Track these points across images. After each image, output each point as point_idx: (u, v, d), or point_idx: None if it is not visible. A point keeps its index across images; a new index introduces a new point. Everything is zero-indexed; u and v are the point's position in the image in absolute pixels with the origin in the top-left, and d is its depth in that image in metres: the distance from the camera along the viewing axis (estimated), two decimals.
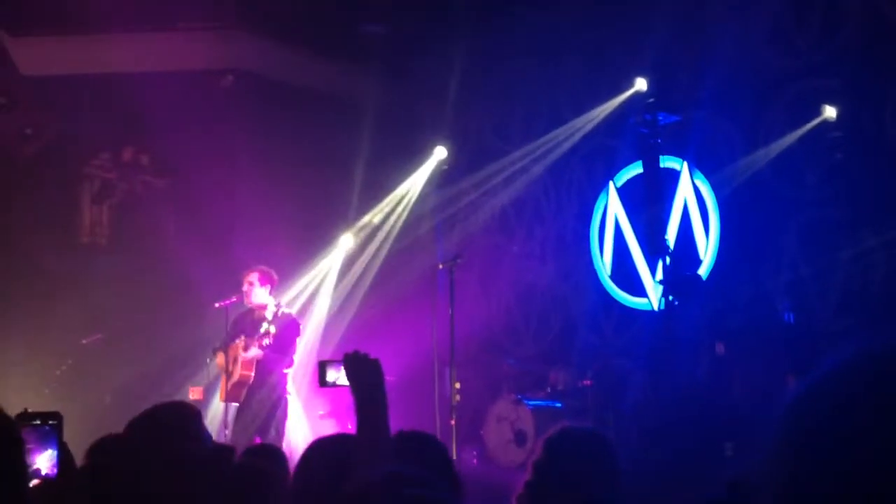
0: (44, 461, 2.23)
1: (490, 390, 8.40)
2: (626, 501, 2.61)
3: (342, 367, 2.45)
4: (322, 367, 2.64)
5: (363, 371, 2.37)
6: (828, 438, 0.82)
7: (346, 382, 2.41)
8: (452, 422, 7.09)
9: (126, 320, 8.67)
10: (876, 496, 0.78)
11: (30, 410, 2.29)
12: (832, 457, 0.81)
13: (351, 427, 2.75)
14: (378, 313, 9.11)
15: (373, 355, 2.41)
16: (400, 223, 9.54)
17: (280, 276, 7.64)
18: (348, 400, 2.42)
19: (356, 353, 2.41)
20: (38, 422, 2.26)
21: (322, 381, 2.62)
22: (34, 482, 2.22)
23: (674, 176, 8.25)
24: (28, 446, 2.08)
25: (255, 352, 6.86)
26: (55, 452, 2.25)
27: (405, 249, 9.44)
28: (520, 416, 7.75)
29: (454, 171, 9.60)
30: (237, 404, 7.01)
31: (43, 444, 2.22)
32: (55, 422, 2.28)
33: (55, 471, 2.23)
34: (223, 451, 2.73)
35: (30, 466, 2.13)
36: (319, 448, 2.64)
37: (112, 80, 8.87)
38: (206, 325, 7.78)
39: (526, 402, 7.82)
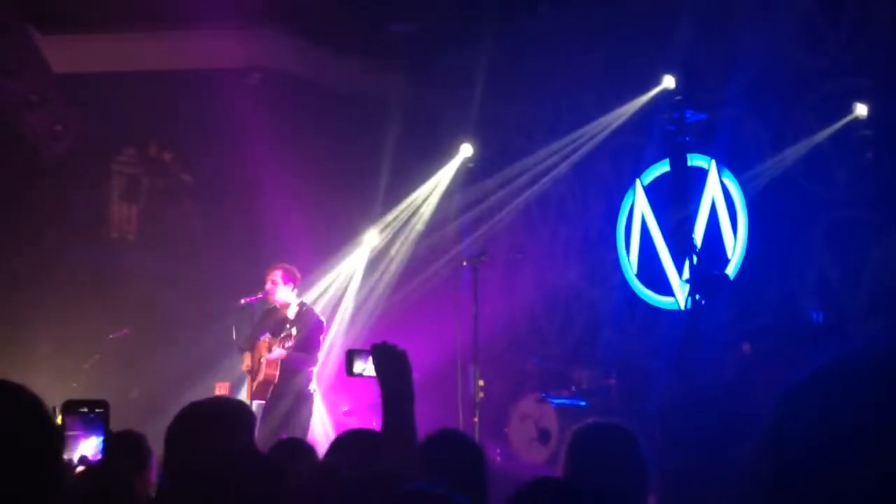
0: (89, 448, 2.24)
1: (514, 388, 8.37)
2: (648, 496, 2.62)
3: (369, 358, 2.46)
4: (350, 356, 2.61)
5: (391, 362, 2.37)
6: (815, 435, 0.83)
7: (373, 373, 2.41)
8: (475, 419, 7.08)
9: (153, 316, 8.71)
10: (862, 492, 0.78)
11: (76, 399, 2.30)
12: (819, 452, 0.82)
13: (375, 424, 2.77)
14: (402, 310, 9.10)
15: (403, 350, 2.41)
16: (425, 220, 9.55)
17: (305, 273, 7.68)
18: (372, 397, 2.43)
19: (384, 343, 2.41)
20: (85, 409, 2.27)
21: (349, 371, 2.60)
22: (80, 468, 2.24)
23: (701, 174, 8.14)
24: (74, 433, 2.20)
25: (278, 352, 6.88)
26: (101, 439, 2.27)
27: (430, 246, 9.45)
28: (544, 414, 7.73)
29: (479, 168, 9.55)
30: (263, 402, 7.02)
31: (89, 431, 2.25)
32: (101, 409, 2.29)
33: (100, 457, 2.25)
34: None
35: (73, 453, 2.18)
36: (349, 439, 2.79)
37: (141, 77, 8.91)
38: (232, 321, 7.75)
39: (550, 400, 7.78)
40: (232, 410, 2.64)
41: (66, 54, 8.80)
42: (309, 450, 3.38)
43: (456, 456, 2.53)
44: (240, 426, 2.54)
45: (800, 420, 0.85)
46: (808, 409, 0.85)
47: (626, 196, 8.85)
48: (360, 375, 2.58)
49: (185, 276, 9.05)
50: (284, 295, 7.12)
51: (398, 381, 2.34)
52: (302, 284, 7.50)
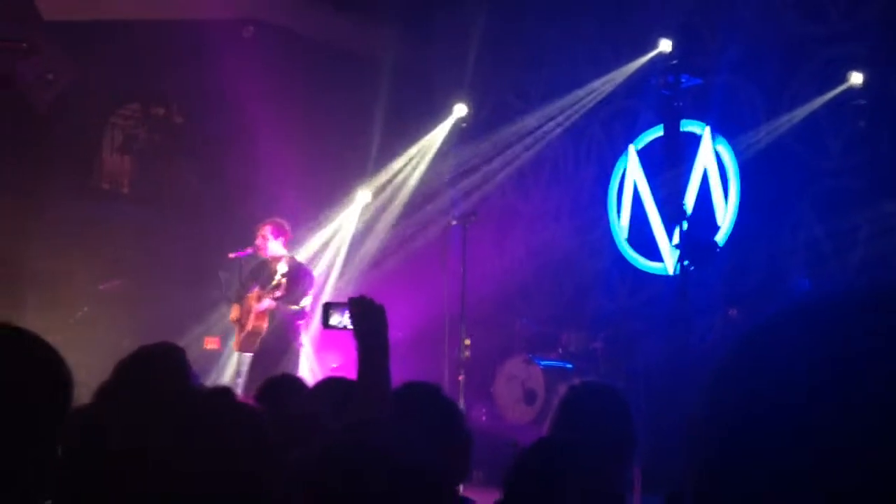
0: None
1: (501, 349, 8.43)
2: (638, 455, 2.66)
3: (346, 311, 2.48)
4: (326, 309, 2.62)
5: (368, 316, 2.37)
6: (763, 393, 0.65)
7: (349, 326, 2.42)
8: (461, 378, 7.08)
9: (144, 268, 8.69)
10: (819, 468, 0.61)
11: None
12: (769, 415, 0.64)
13: None
14: (391, 268, 9.13)
15: (381, 304, 2.40)
16: (417, 179, 9.51)
17: (296, 230, 7.70)
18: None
19: (362, 297, 2.41)
20: None
21: (325, 323, 2.61)
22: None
23: (695, 140, 8.13)
24: None
25: (267, 303, 6.90)
26: None
27: (421, 205, 9.44)
28: (530, 375, 7.79)
29: (473, 128, 9.51)
30: (251, 354, 7.08)
31: None
32: None
33: None
34: (218, 392, 2.72)
35: None
36: (327, 385, 2.81)
37: (133, 27, 8.80)
38: (222, 274, 7.80)
39: (537, 361, 7.83)
40: (171, 354, 2.63)
41: (61, 2, 8.66)
42: (297, 382, 3.40)
43: (426, 410, 2.51)
44: (183, 367, 2.55)
45: (749, 367, 0.67)
46: (763, 354, 0.68)
47: (619, 161, 8.86)
48: (336, 328, 2.59)
49: (176, 230, 9.05)
50: (274, 249, 7.14)
51: (374, 335, 2.34)
52: (293, 240, 7.51)
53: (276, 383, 3.32)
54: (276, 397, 3.01)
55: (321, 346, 8.55)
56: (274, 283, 6.84)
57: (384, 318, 2.36)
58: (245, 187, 9.09)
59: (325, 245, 9.19)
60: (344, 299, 2.51)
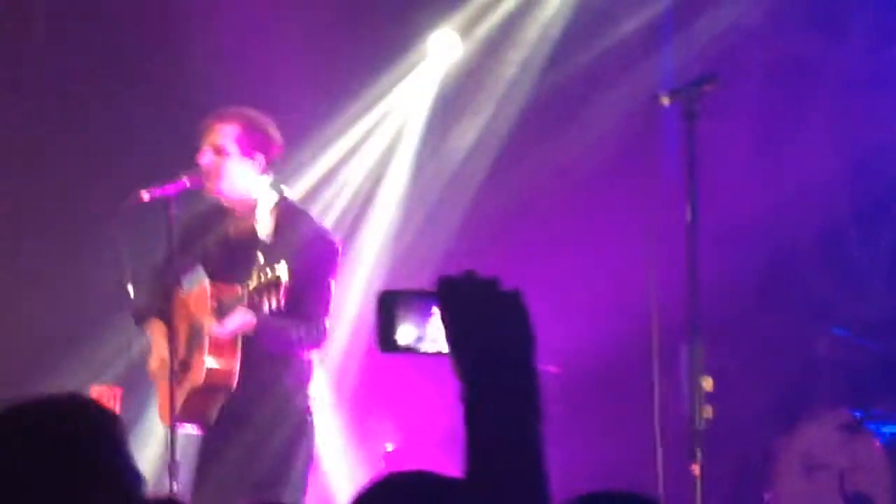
0: None
1: (785, 398, 8.62)
2: None
3: (432, 311, 2.52)
4: (386, 308, 2.55)
5: (485, 319, 2.40)
6: None
7: (443, 347, 2.44)
8: (696, 466, 6.71)
9: None
10: None
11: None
12: None
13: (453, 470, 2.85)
14: (517, 219, 9.37)
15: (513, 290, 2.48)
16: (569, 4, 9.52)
17: (293, 133, 7.92)
18: (448, 415, 2.97)
19: (470, 276, 2.47)
20: None
21: (384, 343, 2.52)
22: None
23: None
24: None
25: (238, 320, 6.80)
26: None
27: (581, 68, 9.42)
28: (858, 458, 7.90)
29: None
30: (198, 431, 7.19)
31: None
32: None
33: None
34: None
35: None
36: (381, 496, 2.89)
37: None
38: (121, 242, 7.44)
39: (875, 428, 7.99)
40: (81, 422, 2.73)
41: None
42: None
43: None
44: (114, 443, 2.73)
45: None
46: None
47: None
48: (413, 351, 2.55)
49: (20, 146, 9.31)
50: (243, 180, 7.17)
51: (502, 362, 2.37)
52: (287, 159, 7.83)
53: None
54: None
55: (363, 402, 9.24)
56: (263, 278, 6.69)
57: (524, 325, 2.41)
58: (169, 49, 9.50)
59: (360, 169, 9.56)
60: (425, 284, 2.56)
